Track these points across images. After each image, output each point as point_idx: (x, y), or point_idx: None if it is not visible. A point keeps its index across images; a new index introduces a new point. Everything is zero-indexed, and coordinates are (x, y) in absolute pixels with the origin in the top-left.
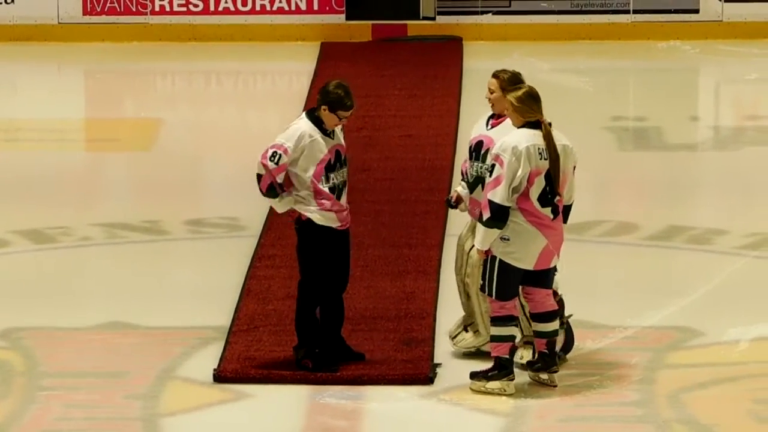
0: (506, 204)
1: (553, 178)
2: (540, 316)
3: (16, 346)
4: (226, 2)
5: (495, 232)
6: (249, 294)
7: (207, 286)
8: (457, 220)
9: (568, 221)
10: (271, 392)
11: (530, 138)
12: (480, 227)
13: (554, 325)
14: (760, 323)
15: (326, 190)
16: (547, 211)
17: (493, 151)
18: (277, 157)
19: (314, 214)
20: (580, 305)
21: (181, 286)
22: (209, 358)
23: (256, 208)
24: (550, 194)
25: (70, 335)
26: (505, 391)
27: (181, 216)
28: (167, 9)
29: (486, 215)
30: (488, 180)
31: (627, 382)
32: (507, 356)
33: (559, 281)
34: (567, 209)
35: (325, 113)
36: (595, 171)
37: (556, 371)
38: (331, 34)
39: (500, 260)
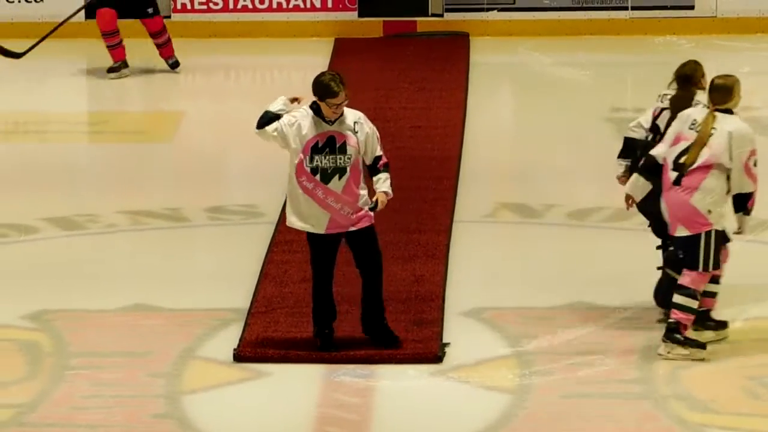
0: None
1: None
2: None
3: (46, 327)
4: (244, 0)
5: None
6: (266, 278)
7: (226, 270)
8: (465, 207)
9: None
10: (288, 371)
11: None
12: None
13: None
14: (753, 304)
15: (308, 169)
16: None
17: None
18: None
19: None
20: (582, 288)
21: (201, 270)
22: (229, 338)
23: (273, 196)
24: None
25: (96, 317)
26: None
27: (201, 204)
28: (189, 7)
29: None
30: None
31: (627, 361)
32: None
33: None
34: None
35: (321, 104)
36: (595, 159)
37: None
38: (344, 30)
39: (716, 230)
